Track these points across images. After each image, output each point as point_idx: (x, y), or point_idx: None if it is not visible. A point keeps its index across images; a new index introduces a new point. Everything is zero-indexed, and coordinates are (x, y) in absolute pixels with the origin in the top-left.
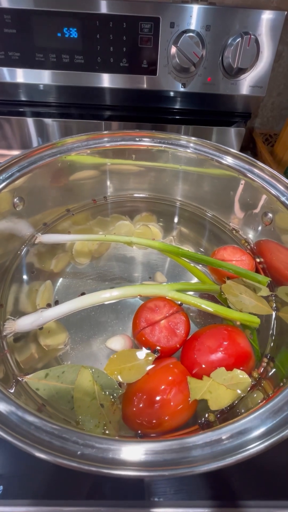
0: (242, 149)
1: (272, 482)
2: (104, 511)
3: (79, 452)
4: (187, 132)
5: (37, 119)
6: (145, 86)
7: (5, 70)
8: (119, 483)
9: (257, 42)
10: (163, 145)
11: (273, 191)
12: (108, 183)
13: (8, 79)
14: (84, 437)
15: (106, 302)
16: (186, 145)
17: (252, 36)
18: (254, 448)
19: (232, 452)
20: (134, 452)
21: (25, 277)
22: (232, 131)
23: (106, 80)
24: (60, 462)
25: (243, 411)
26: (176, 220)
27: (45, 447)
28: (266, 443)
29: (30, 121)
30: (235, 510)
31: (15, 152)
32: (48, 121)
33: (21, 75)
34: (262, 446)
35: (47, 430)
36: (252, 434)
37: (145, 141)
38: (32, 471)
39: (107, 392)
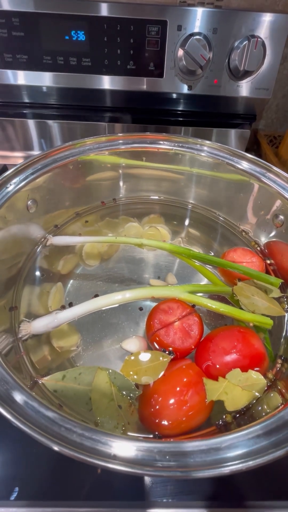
0: (247, 150)
1: (273, 483)
2: (103, 511)
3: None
4: (187, 134)
5: (40, 121)
6: (151, 88)
7: (9, 72)
8: (118, 483)
9: (263, 45)
10: (177, 148)
11: (287, 195)
12: (121, 185)
13: (12, 81)
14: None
15: (118, 304)
16: (202, 148)
17: (259, 39)
18: (264, 457)
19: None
20: (137, 451)
21: (37, 279)
22: (236, 133)
23: (113, 83)
24: (62, 451)
25: (260, 410)
26: (185, 222)
27: (76, 447)
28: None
29: (33, 123)
30: (235, 510)
31: (18, 154)
32: (51, 123)
33: (28, 78)
34: (272, 455)
35: (78, 431)
36: (245, 450)
37: (163, 144)
38: (32, 472)
39: (124, 393)
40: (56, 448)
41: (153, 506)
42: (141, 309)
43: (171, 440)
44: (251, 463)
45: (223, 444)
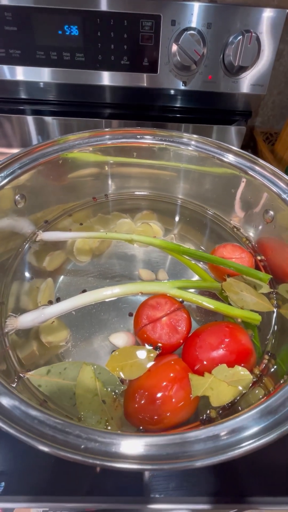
0: (243, 147)
1: (273, 478)
2: (104, 507)
3: (82, 446)
4: (187, 131)
5: (37, 117)
6: (146, 84)
7: (5, 68)
8: (119, 479)
9: (258, 40)
10: (165, 143)
11: (275, 189)
12: (110, 181)
13: (8, 76)
14: (87, 431)
15: (107, 300)
16: (188, 142)
17: (253, 34)
18: (252, 444)
19: (230, 447)
20: (135, 446)
21: (26, 274)
22: (232, 130)
23: (106, 78)
24: (64, 456)
25: (245, 407)
26: (177, 218)
27: (49, 440)
28: (265, 440)
29: (30, 119)
30: (235, 506)
31: (15, 151)
32: (48, 119)
33: (21, 73)
34: (260, 442)
35: (51, 424)
36: (251, 431)
37: (147, 139)
38: (32, 468)
39: (109, 389)
40: (46, 449)
41: (152, 501)
42: (130, 314)
43: (170, 432)
44: (255, 445)
45: (224, 431)
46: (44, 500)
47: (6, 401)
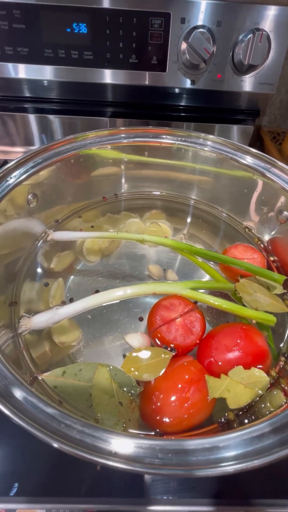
0: (250, 147)
1: (275, 480)
2: (105, 508)
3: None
4: (193, 129)
5: (41, 116)
6: (153, 82)
7: (10, 66)
8: (119, 480)
9: (268, 38)
10: (180, 143)
11: None
12: (123, 180)
13: (14, 75)
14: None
15: (118, 300)
16: (205, 143)
17: (264, 33)
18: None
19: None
20: (139, 448)
21: (37, 274)
22: (240, 129)
23: (113, 76)
24: (92, 459)
25: (262, 408)
26: (187, 218)
27: (76, 444)
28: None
29: (33, 117)
30: (237, 508)
31: (19, 149)
32: (52, 117)
33: (29, 71)
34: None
35: (78, 428)
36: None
37: (164, 139)
38: (34, 469)
39: (125, 390)
40: (55, 444)
41: (153, 503)
42: (141, 319)
43: (173, 437)
44: (256, 462)
45: (225, 443)
46: (45, 501)
47: (23, 397)
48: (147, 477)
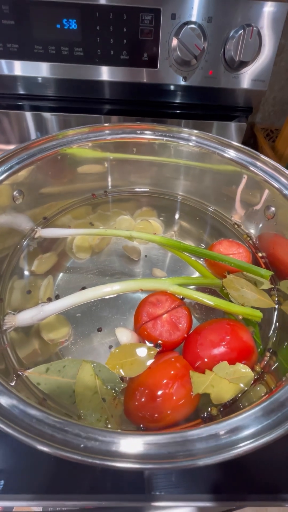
0: (243, 144)
1: (274, 475)
2: (104, 505)
3: (82, 445)
4: (187, 127)
5: (35, 113)
6: (145, 79)
7: (3, 62)
8: (119, 477)
9: (259, 34)
10: (165, 138)
11: (276, 184)
12: (109, 177)
13: (6, 71)
14: (86, 430)
15: (107, 297)
16: (188, 138)
17: (254, 28)
18: (253, 443)
19: (231, 446)
20: (136, 445)
21: (25, 272)
22: (233, 126)
23: (105, 73)
24: (63, 455)
25: (246, 404)
26: (177, 215)
27: (47, 440)
28: (266, 438)
29: (28, 115)
30: (237, 503)
31: (14, 147)
32: (47, 115)
33: (19, 68)
34: (262, 441)
35: (49, 423)
36: (252, 429)
37: (147, 134)
38: (32, 466)
39: (108, 386)
40: (45, 449)
41: (154, 499)
42: (100, 330)
43: (171, 430)
44: (256, 443)
45: (226, 429)
46: (44, 499)
47: (5, 400)
48: (147, 473)
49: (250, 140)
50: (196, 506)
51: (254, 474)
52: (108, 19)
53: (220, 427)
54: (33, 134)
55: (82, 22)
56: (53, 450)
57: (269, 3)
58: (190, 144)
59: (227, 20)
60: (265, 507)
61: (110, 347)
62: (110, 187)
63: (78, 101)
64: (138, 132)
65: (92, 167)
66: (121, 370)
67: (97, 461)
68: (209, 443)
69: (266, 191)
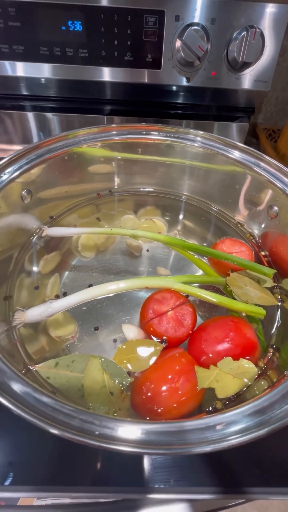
0: (245, 144)
1: (273, 469)
2: (105, 497)
3: (97, 432)
4: (189, 127)
5: (38, 114)
6: (149, 80)
7: (7, 64)
8: (121, 469)
9: (262, 35)
10: (171, 139)
11: (280, 185)
12: (116, 177)
13: (10, 72)
14: (100, 418)
15: (112, 294)
16: (193, 139)
17: (257, 30)
18: (243, 437)
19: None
20: (136, 432)
21: (32, 269)
22: (235, 126)
23: (110, 74)
24: (80, 440)
25: (249, 398)
26: (181, 214)
27: (64, 426)
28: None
29: (31, 115)
30: (235, 496)
31: (16, 147)
32: (49, 115)
33: (25, 69)
34: (251, 436)
35: (64, 411)
36: (245, 424)
37: (153, 135)
38: (36, 459)
39: (116, 381)
40: (56, 431)
41: (155, 491)
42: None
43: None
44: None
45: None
46: (47, 490)
47: (19, 388)
48: (147, 465)
49: (252, 140)
50: (196, 499)
51: (254, 467)
52: (112, 21)
53: (215, 420)
54: (35, 134)
55: (87, 24)
56: (71, 435)
57: (272, 5)
58: (196, 145)
59: (230, 22)
60: (266, 506)
61: (115, 340)
62: (116, 187)
63: (81, 102)
64: (145, 133)
65: (101, 167)
66: (128, 365)
67: (112, 446)
68: (204, 434)
69: (270, 191)
